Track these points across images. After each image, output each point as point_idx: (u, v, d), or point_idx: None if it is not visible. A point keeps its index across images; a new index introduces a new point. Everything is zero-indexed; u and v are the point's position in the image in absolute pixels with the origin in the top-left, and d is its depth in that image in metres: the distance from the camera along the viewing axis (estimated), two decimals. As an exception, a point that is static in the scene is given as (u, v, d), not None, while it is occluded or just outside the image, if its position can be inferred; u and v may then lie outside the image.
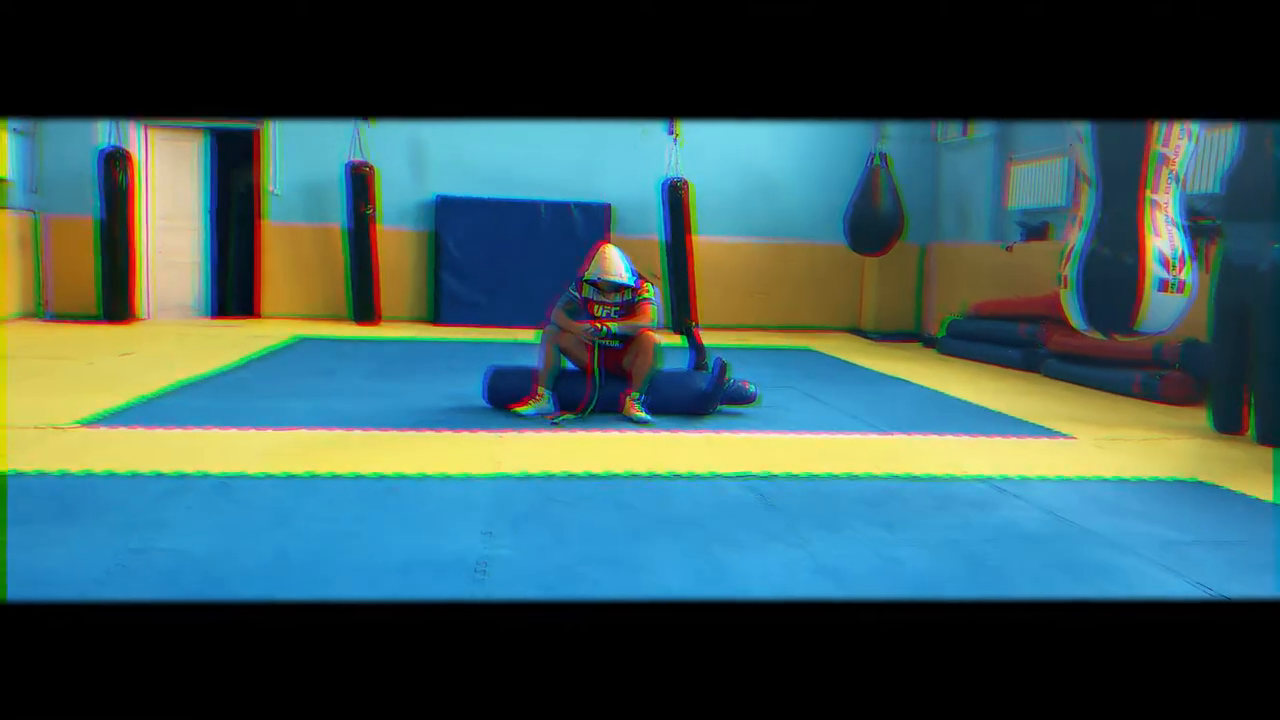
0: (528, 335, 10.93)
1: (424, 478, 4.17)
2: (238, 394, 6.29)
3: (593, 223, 11.79)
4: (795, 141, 12.29)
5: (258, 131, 11.66)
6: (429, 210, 11.80)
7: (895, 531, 3.59)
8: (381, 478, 4.14)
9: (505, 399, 5.89)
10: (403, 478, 4.15)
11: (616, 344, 5.82)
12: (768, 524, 3.64)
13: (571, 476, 4.26)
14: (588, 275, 5.85)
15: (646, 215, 11.96)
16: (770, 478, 4.32)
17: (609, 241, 6.14)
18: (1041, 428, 5.87)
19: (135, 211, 11.07)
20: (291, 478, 4.11)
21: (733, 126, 12.10)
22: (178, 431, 4.97)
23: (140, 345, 8.86)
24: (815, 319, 12.45)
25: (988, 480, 4.41)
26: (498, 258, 11.72)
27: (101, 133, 10.89)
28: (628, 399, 5.72)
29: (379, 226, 11.45)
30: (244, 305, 12.31)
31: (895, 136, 11.65)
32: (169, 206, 11.88)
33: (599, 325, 5.73)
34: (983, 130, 10.98)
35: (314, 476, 4.13)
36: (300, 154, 11.61)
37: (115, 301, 10.72)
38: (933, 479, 4.41)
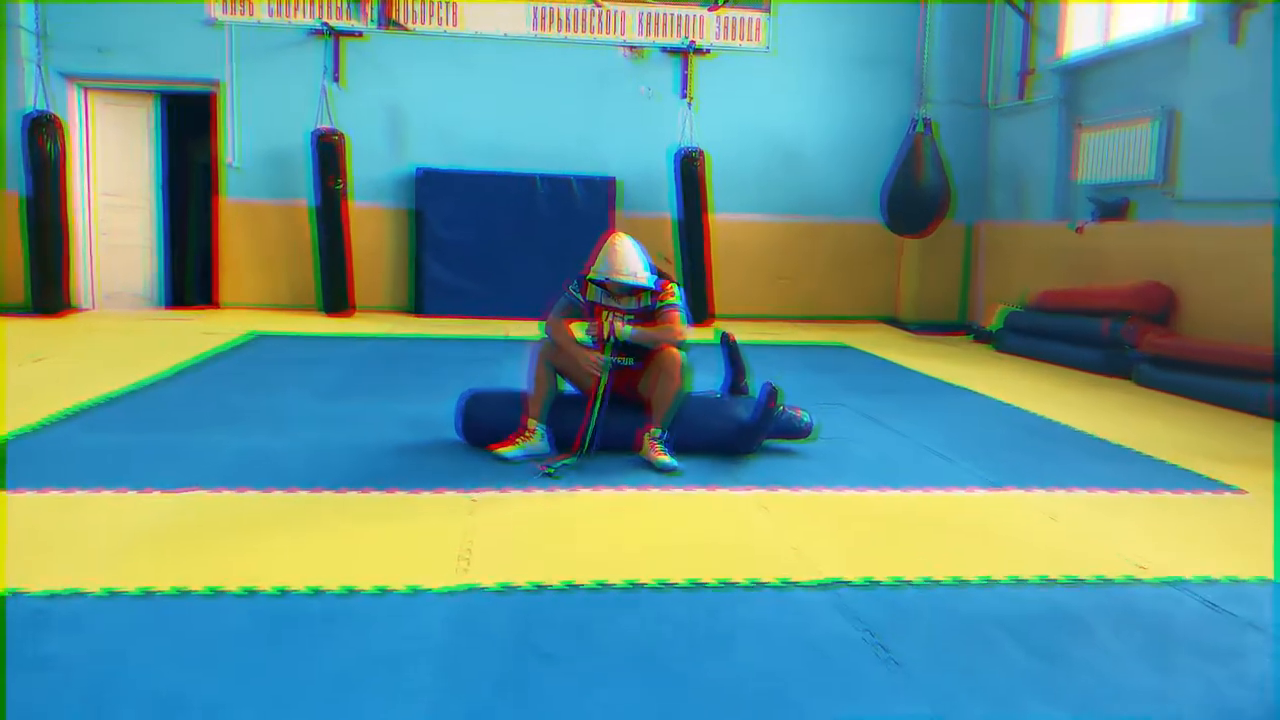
0: (522, 329, 9.72)
1: (350, 593, 2.80)
2: (148, 425, 4.91)
3: (596, 198, 10.36)
4: (824, 106, 10.83)
5: (214, 95, 10.21)
6: (409, 185, 10.37)
7: (1102, 706, 2.23)
8: (285, 594, 2.77)
9: (485, 436, 4.51)
10: (318, 595, 2.78)
11: (630, 362, 4.43)
12: (894, 696, 2.28)
13: (571, 589, 2.89)
14: (593, 273, 4.45)
15: (656, 190, 10.54)
16: (870, 586, 2.94)
17: (616, 230, 4.73)
18: (1195, 475, 4.48)
19: (70, 187, 9.65)
20: (149, 596, 2.73)
21: (753, 89, 10.66)
22: (27, 496, 3.60)
23: (63, 345, 7.47)
24: (846, 308, 11.05)
25: (1185, 587, 3.03)
26: (488, 239, 10.30)
27: (27, 95, 9.45)
28: (646, 438, 4.35)
29: (351, 203, 10.02)
30: (205, 293, 10.89)
31: (938, 100, 10.20)
32: (115, 181, 10.45)
33: (610, 355, 4.39)
34: (1044, 92, 9.53)
35: (183, 594, 2.75)
36: (261, 120, 10.16)
37: (46, 291, 9.31)
38: (1104, 585, 3.04)
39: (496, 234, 10.29)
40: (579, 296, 4.50)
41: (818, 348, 8.88)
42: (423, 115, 10.31)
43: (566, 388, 4.53)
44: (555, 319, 4.49)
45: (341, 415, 5.23)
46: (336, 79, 10.13)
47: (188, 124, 10.96)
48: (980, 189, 10.55)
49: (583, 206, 10.34)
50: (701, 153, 10.06)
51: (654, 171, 10.50)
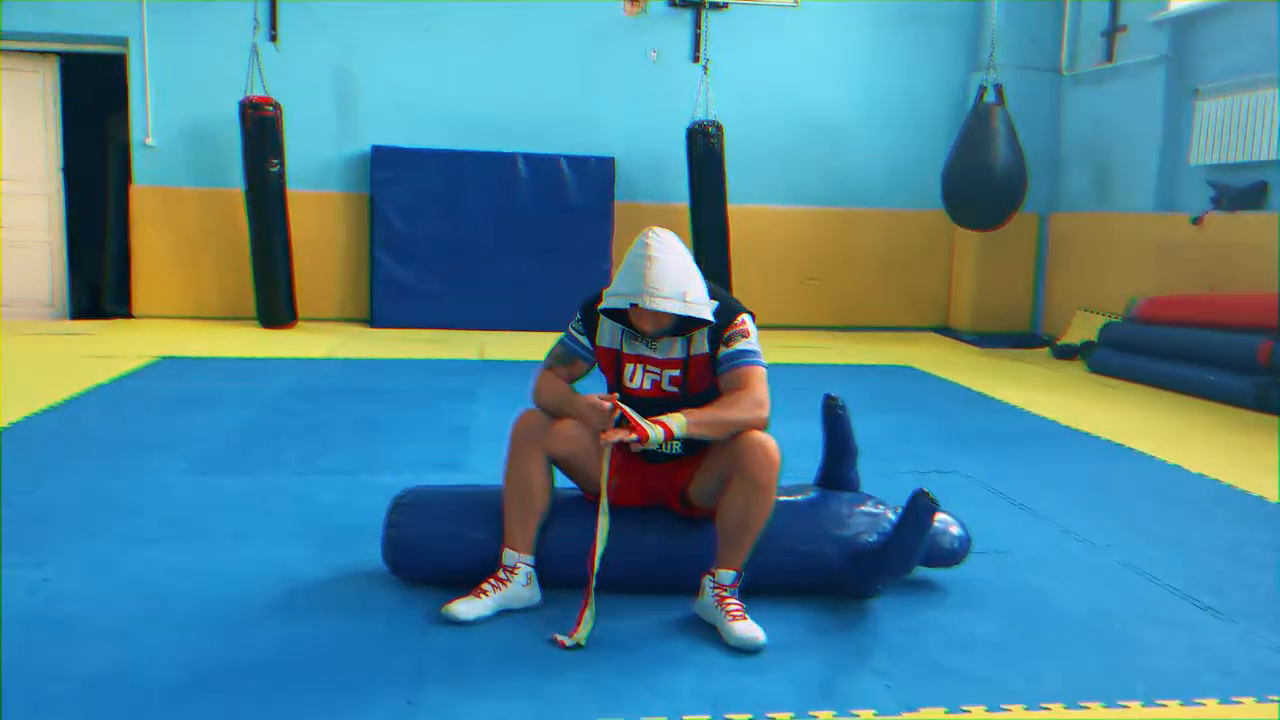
0: (501, 345, 7.68)
1: None
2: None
3: (590, 183, 8.54)
4: (863, 72, 9.03)
5: (124, 56, 8.33)
6: (362, 166, 8.52)
7: None
8: None
9: (429, 571, 2.70)
10: None
11: (677, 449, 2.61)
12: None
13: None
14: (610, 298, 2.60)
15: (663, 173, 8.72)
16: None
17: (652, 228, 2.61)
18: None
19: (-65, 169, 7.77)
20: None
21: (779, 52, 8.85)
22: None
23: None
24: (890, 316, 9.27)
25: None
26: (458, 233, 8.46)
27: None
28: (710, 584, 2.53)
29: (291, 190, 8.15)
30: (124, 300, 9.00)
31: (1001, 65, 8.40)
32: (8, 164, 8.57)
33: (644, 429, 2.43)
34: (1142, 52, 7.76)
35: None
36: (181, 88, 8.29)
37: (-99, 300, 7.43)
38: None
39: (469, 227, 8.45)
40: (583, 340, 2.69)
41: (868, 369, 7.10)
42: (377, 82, 8.45)
43: (565, 486, 2.73)
44: (544, 379, 2.68)
45: (216, 509, 3.40)
46: (272, 37, 8.26)
47: (94, 92, 9.05)
48: (1052, 173, 8.79)
49: (574, 193, 8.51)
50: (720, 128, 8.24)
51: (661, 151, 8.68)
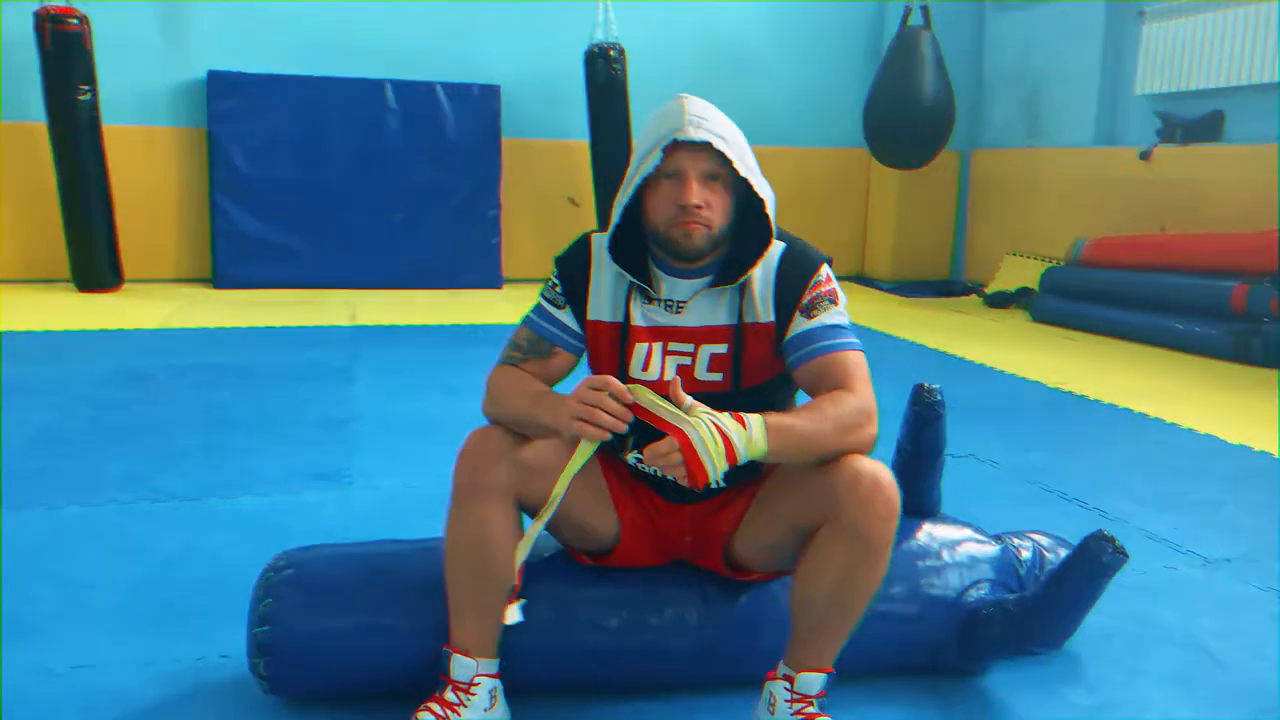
0: (377, 308, 6.18)
1: None
2: None
3: (472, 115, 7.40)
4: (774, -6, 8.15)
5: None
6: (196, 96, 7.13)
7: None
8: None
9: (324, 686, 1.71)
10: None
11: (721, 480, 1.57)
12: None
13: None
14: (629, 184, 1.61)
15: (558, 104, 7.66)
16: None
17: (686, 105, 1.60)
18: None
19: None
20: None
21: (683, -32, 7.87)
22: None
23: None
24: (804, 262, 8.50)
25: None
26: (317, 175, 7.21)
27: None
28: (785, 691, 1.60)
29: (106, 125, 6.72)
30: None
31: (920, -12, 7.66)
32: None
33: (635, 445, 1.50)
34: (1077, -27, 7.15)
35: None
36: (-44, -3, 6.70)
37: None
38: None
39: (329, 169, 7.21)
40: (564, 314, 1.69)
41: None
42: (213, -7, 7.07)
43: (547, 547, 1.75)
44: (503, 379, 1.67)
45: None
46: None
47: None
48: (974, 106, 8.15)
49: (454, 127, 7.37)
50: (623, 52, 7.23)
51: (555, 78, 7.60)
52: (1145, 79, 6.60)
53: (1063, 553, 2.08)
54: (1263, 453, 3.53)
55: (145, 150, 7.07)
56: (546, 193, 7.78)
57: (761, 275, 1.62)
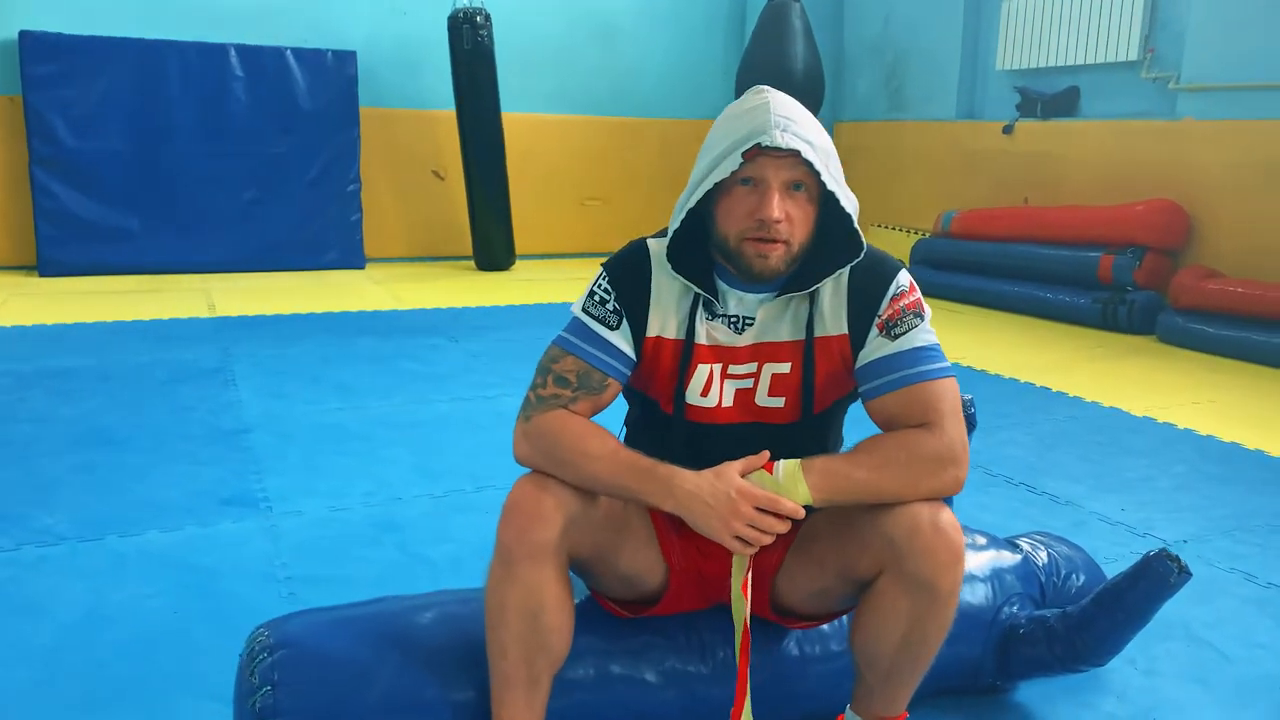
0: (238, 295, 5.64)
1: None
2: None
3: (327, 83, 6.90)
4: (637, -39, 7.96)
5: None
6: (7, 59, 6.35)
7: None
8: None
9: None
10: None
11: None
12: None
13: None
14: (697, 184, 1.39)
15: (420, 72, 7.27)
16: None
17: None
18: None
19: None
20: None
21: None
22: None
23: None
24: (674, 235, 8.42)
25: None
26: (155, 150, 6.57)
27: None
28: None
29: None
30: None
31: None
32: None
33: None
34: (936, -52, 7.28)
35: None
36: None
37: None
38: None
39: (169, 142, 6.58)
40: (616, 335, 1.44)
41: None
42: (22, -57, 6.28)
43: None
44: (561, 426, 1.39)
45: None
46: None
47: None
48: (836, 78, 8.23)
49: (306, 96, 6.86)
50: (489, 18, 6.88)
51: (416, 44, 7.19)
52: (1006, 55, 6.80)
53: (1066, 552, 2.05)
54: (1167, 424, 3.68)
55: (-53, 120, 6.26)
56: (410, 166, 7.37)
57: (831, 282, 1.46)
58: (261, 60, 6.69)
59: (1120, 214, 5.65)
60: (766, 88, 1.40)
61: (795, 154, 1.33)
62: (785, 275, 1.42)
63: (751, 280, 1.41)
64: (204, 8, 6.63)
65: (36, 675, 1.83)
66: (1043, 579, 1.94)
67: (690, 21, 8.17)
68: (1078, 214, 5.97)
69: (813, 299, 1.45)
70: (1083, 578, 1.99)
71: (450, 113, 7.08)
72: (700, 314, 1.45)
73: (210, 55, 6.56)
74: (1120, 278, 5.51)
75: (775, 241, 1.36)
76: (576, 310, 1.47)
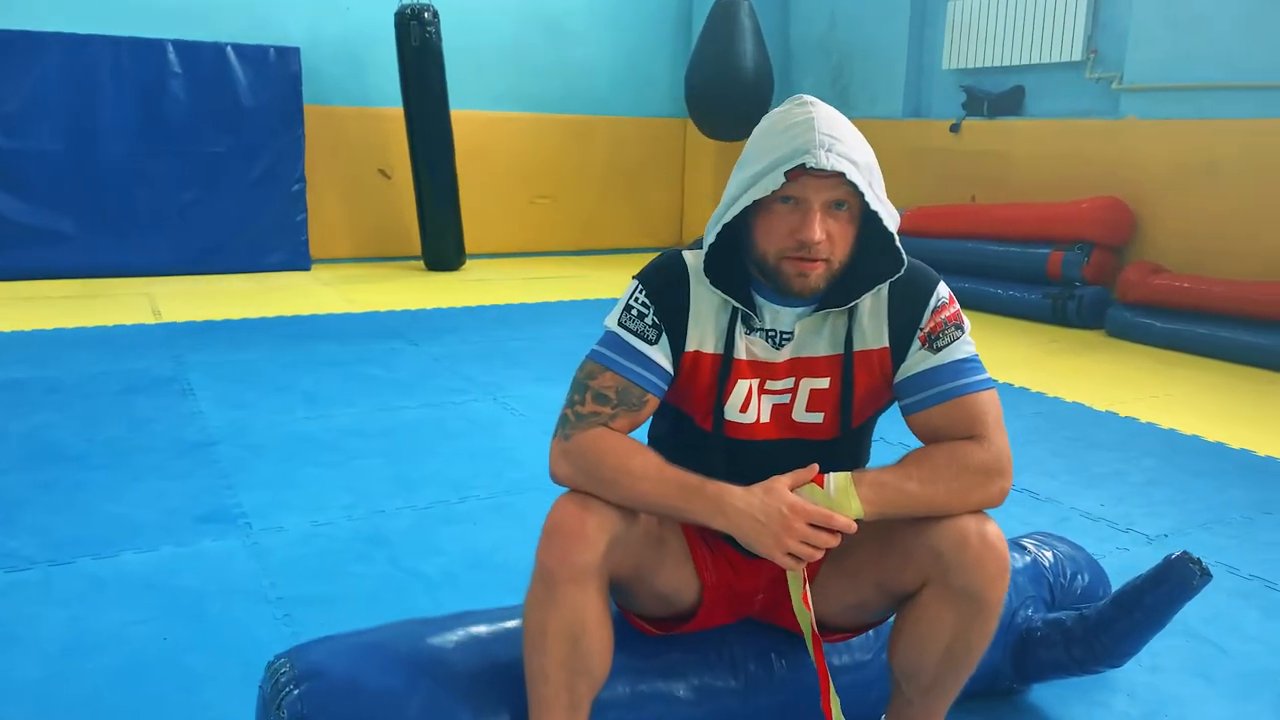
0: (183, 300, 5.48)
1: None
2: None
3: (269, 80, 6.72)
4: (584, -42, 7.90)
5: None
6: (-71, 55, 6.06)
7: None
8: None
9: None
10: None
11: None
12: None
13: None
14: (742, 194, 1.33)
15: (366, 69, 7.13)
16: None
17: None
18: None
19: None
20: None
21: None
22: None
23: None
24: (623, 236, 8.41)
25: None
26: (90, 150, 6.33)
27: None
28: None
29: None
30: None
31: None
32: None
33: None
34: (880, -52, 7.36)
35: None
36: None
37: None
38: None
39: (105, 142, 6.35)
40: (655, 349, 1.41)
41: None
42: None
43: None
44: (603, 445, 1.35)
45: None
46: None
47: None
48: (783, 76, 8.27)
49: (248, 94, 6.66)
50: (436, 14, 6.76)
51: (361, 41, 7.05)
52: (952, 55, 6.91)
53: (1069, 551, 2.07)
54: (1130, 418, 3.77)
55: None
56: (356, 164, 7.22)
57: (870, 295, 1.44)
58: (200, 56, 6.48)
59: (1067, 211, 5.77)
60: (810, 98, 1.38)
61: (839, 175, 1.31)
62: (823, 291, 1.40)
63: (789, 296, 1.39)
64: (137, 2, 6.40)
65: (27, 709, 1.74)
66: (1051, 580, 1.96)
67: (638, 19, 8.14)
68: (1025, 211, 6.08)
69: (851, 313, 1.43)
70: (1086, 577, 2.02)
71: (397, 110, 6.95)
72: (739, 328, 1.42)
73: (146, 51, 6.33)
74: (1069, 273, 5.64)
75: (815, 260, 1.34)
76: (611, 324, 1.44)
